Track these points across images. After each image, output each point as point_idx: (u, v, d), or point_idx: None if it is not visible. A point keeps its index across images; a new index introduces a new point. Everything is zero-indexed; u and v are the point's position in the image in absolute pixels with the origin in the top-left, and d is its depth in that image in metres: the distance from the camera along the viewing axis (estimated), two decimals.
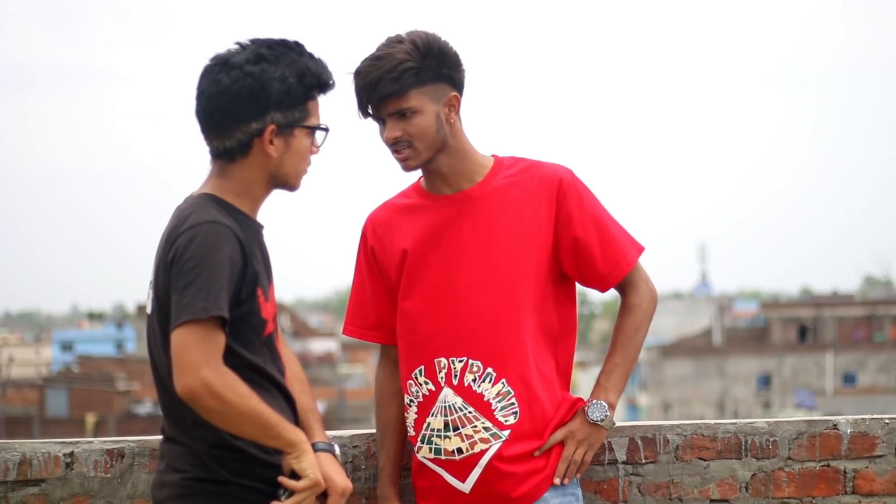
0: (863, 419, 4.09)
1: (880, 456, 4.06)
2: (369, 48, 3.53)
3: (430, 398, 3.57)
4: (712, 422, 4.05)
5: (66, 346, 74.64)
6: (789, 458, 4.04)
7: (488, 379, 3.53)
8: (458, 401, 3.54)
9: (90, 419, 42.61)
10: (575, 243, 3.58)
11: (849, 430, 4.05)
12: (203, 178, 3.33)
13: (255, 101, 3.21)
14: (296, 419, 3.35)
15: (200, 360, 3.07)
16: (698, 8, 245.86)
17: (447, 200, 3.59)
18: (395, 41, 3.49)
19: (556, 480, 3.57)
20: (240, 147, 3.24)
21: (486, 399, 3.53)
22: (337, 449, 3.43)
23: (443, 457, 3.56)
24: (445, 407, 3.55)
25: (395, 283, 3.63)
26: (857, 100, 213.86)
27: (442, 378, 3.56)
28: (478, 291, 3.54)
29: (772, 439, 4.03)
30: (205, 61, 3.28)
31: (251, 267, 3.20)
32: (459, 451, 3.54)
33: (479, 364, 3.53)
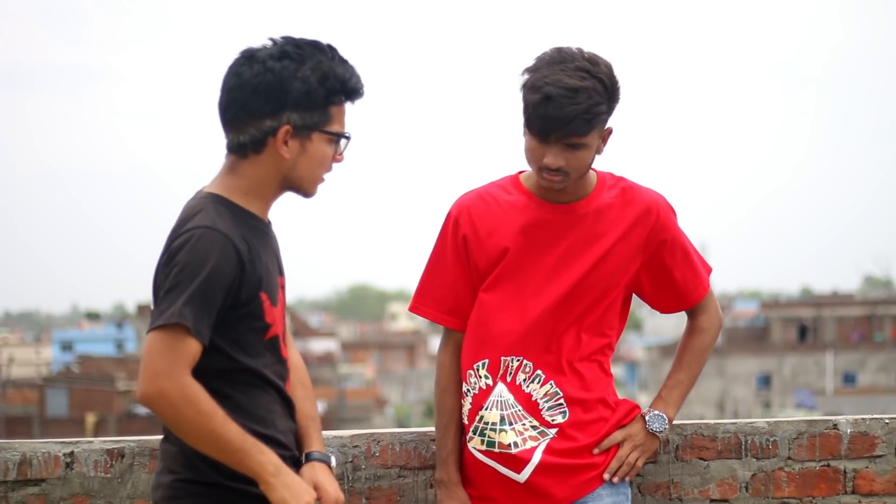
0: (863, 419, 4.09)
1: (880, 456, 4.06)
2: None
3: (486, 392, 3.65)
4: (712, 422, 4.05)
5: (66, 346, 74.59)
6: (789, 458, 4.04)
7: (537, 380, 3.63)
8: (511, 398, 3.63)
9: (90, 419, 42.60)
10: (660, 268, 3.72)
11: (849, 430, 4.06)
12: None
13: (272, 97, 3.13)
14: (295, 428, 3.31)
15: (162, 370, 3.02)
16: (697, 8, 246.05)
17: (552, 208, 3.65)
18: (586, 73, 3.47)
19: (606, 476, 3.66)
20: (253, 143, 3.16)
21: (533, 399, 3.63)
22: (333, 460, 3.38)
23: (496, 450, 3.63)
24: (501, 402, 3.64)
25: (482, 273, 3.68)
26: (857, 99, 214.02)
27: (500, 375, 3.64)
28: (557, 301, 3.63)
29: (772, 439, 4.03)
30: (237, 54, 3.19)
31: (252, 272, 3.14)
32: (515, 444, 3.62)
33: (531, 365, 3.63)
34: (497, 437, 3.62)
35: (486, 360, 3.65)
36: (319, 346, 74.30)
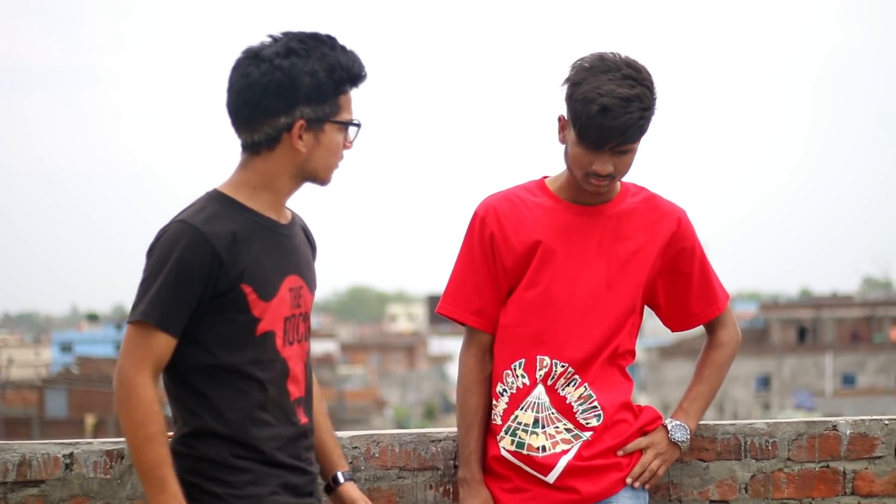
0: (862, 420, 4.09)
1: (880, 457, 4.06)
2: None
3: (523, 392, 3.68)
4: (712, 423, 4.05)
5: (66, 348, 74.50)
6: (789, 460, 4.04)
7: (572, 383, 3.66)
8: (547, 401, 3.67)
9: (89, 420, 42.55)
10: (677, 276, 3.76)
11: (848, 432, 4.06)
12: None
13: (284, 94, 3.16)
14: (292, 432, 3.27)
15: (123, 365, 3.14)
16: (696, 8, 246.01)
17: (579, 210, 3.69)
18: (634, 80, 3.52)
19: (629, 480, 3.71)
20: (267, 141, 3.20)
21: (567, 402, 3.67)
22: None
23: (525, 451, 3.67)
24: (537, 403, 3.67)
25: (509, 272, 3.70)
26: (856, 100, 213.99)
27: (540, 375, 3.67)
28: (591, 302, 3.67)
29: (771, 440, 4.03)
30: (236, 54, 3.22)
31: (233, 264, 3.15)
32: (543, 448, 3.65)
33: (566, 367, 3.66)
34: (527, 439, 3.66)
35: (524, 360, 3.67)
36: (319, 347, 74.22)
